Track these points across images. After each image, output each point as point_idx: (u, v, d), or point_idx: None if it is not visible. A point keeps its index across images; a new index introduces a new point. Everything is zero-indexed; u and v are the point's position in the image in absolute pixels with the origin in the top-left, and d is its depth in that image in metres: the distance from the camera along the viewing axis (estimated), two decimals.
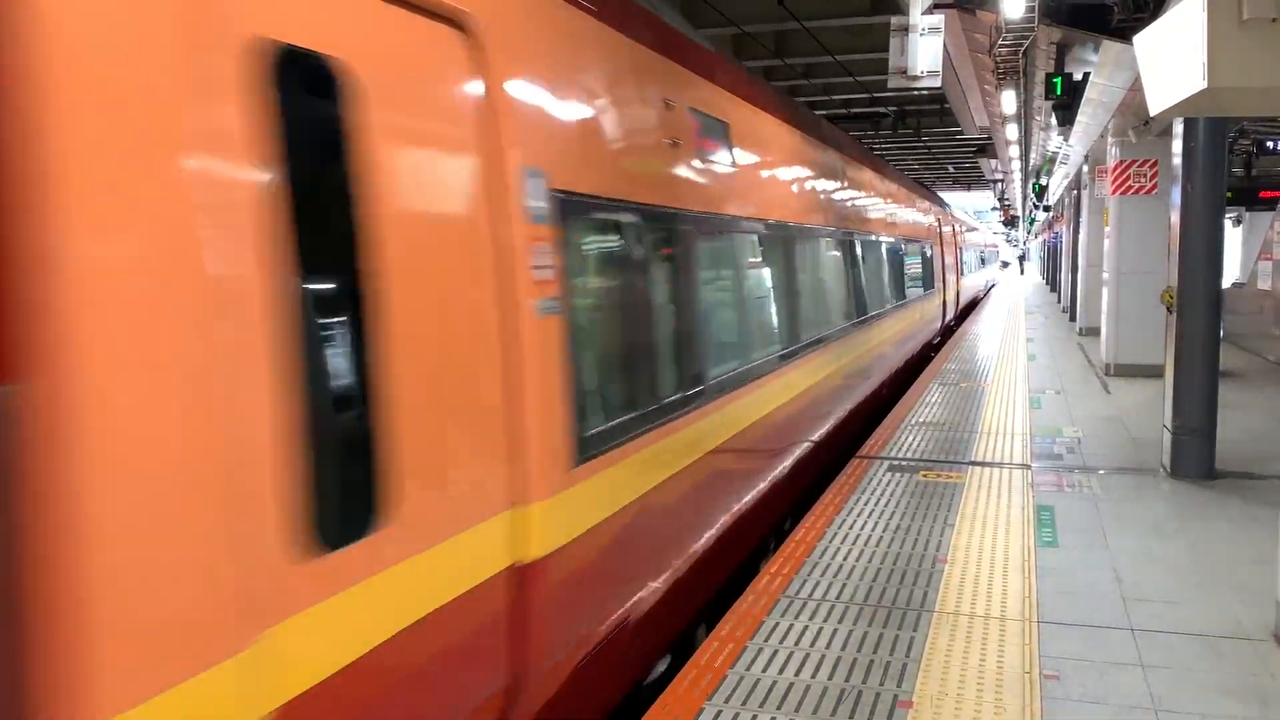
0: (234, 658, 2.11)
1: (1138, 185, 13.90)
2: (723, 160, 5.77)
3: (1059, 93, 11.64)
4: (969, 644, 4.60)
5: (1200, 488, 7.63)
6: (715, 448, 5.36)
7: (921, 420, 10.36)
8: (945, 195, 46.40)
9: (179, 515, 2.01)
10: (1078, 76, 11.71)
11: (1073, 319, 22.55)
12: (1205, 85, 4.75)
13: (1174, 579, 5.55)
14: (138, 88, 1.96)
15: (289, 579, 2.28)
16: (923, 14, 9.78)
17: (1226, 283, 16.25)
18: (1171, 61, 5.27)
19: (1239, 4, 4.70)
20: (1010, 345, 17.93)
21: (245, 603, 2.15)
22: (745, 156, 6.28)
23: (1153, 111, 5.68)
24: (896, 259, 13.24)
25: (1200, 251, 7.87)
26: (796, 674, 4.28)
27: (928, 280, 16.90)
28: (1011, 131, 24.48)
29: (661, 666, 4.99)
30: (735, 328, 6.12)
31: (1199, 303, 7.90)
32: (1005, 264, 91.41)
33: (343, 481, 2.50)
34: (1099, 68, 10.70)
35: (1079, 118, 13.08)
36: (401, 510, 2.65)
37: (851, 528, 6.44)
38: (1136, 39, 5.80)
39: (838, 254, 9.25)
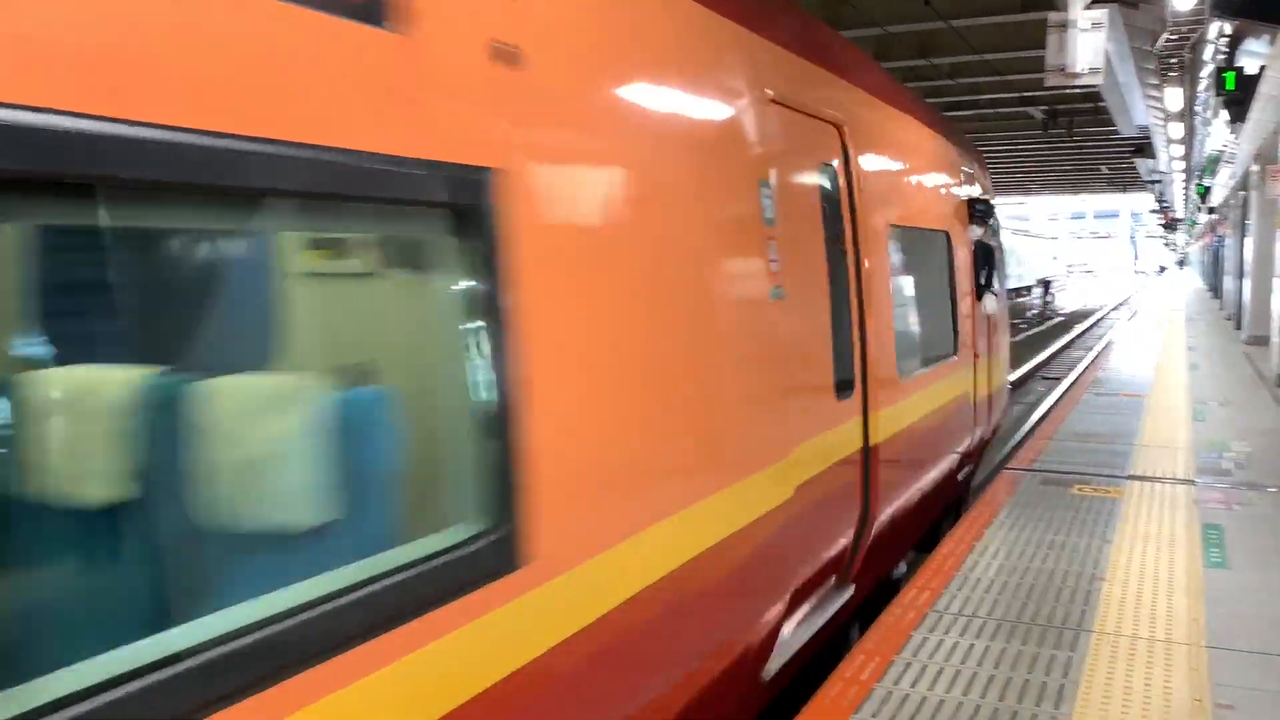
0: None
1: None
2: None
3: (1230, 87, 10.98)
4: (1131, 667, 4.38)
5: None
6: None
7: (1075, 431, 9.95)
8: (1101, 199, 44.42)
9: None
10: (1250, 70, 11.05)
11: (1238, 327, 21.32)
12: None
13: None
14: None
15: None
16: (1084, 9, 9.37)
17: None
18: None
19: None
20: (1170, 354, 17.06)
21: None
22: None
23: None
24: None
25: None
26: (947, 691, 4.15)
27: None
28: (1175, 130, 23.31)
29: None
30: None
31: None
32: (1164, 267, 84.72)
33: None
34: (1272, 60, 10.07)
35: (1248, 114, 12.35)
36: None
37: (1002, 542, 6.23)
38: None
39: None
